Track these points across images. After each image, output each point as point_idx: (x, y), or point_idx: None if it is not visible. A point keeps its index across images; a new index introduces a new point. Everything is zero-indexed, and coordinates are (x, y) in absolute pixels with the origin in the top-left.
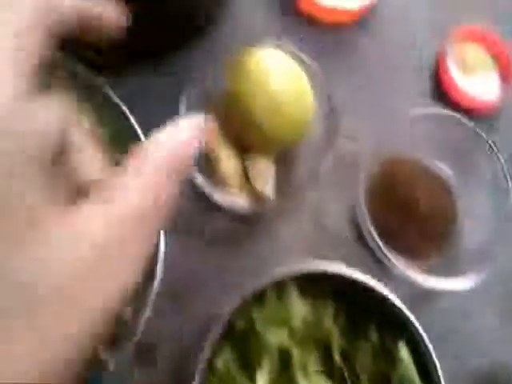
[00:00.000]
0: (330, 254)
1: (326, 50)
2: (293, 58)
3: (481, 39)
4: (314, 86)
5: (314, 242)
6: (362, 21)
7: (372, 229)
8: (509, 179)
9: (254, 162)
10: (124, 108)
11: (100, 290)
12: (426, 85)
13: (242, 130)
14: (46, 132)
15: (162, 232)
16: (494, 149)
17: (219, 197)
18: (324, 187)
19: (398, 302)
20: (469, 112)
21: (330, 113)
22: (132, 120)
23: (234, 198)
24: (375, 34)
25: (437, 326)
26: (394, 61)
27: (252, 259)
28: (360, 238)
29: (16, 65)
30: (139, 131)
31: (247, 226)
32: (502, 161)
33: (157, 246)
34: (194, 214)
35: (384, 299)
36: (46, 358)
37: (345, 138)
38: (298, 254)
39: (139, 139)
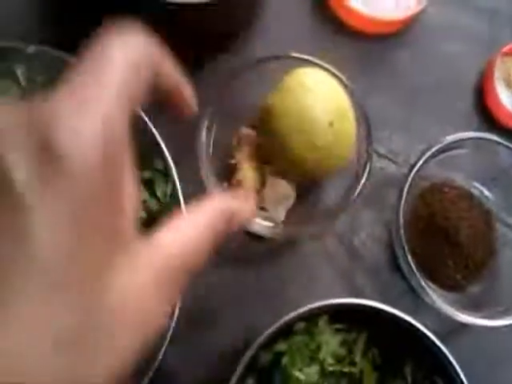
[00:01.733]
0: (363, 282)
1: (363, 63)
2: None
3: None
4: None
5: (346, 268)
6: (403, 32)
7: (410, 259)
8: None
9: (274, 184)
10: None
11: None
12: (469, 103)
13: (273, 152)
14: None
15: None
16: None
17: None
18: (357, 210)
19: (434, 339)
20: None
21: (367, 136)
22: (157, 136)
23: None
24: (416, 46)
25: (475, 363)
26: (436, 76)
27: (279, 287)
28: (395, 266)
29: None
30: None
31: (272, 250)
32: None
33: None
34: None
35: (420, 336)
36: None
37: (382, 158)
38: (328, 281)
39: (164, 157)
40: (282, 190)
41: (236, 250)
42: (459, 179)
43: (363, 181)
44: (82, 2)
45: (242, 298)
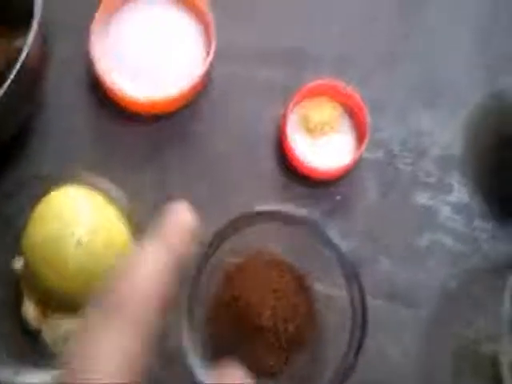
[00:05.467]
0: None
1: (154, 148)
2: (99, 190)
3: (330, 95)
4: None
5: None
6: (192, 105)
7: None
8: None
9: (55, 321)
10: None
11: None
12: (274, 160)
13: (37, 286)
14: None
15: None
16: (333, 240)
17: None
18: None
19: None
20: (317, 181)
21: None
22: None
23: None
24: (211, 113)
25: None
26: (238, 140)
27: None
28: None
29: None
30: None
31: None
32: (341, 251)
33: None
34: None
35: None
36: None
37: None
38: None
39: None
40: (66, 325)
41: None
42: (269, 250)
43: None
44: None
45: None
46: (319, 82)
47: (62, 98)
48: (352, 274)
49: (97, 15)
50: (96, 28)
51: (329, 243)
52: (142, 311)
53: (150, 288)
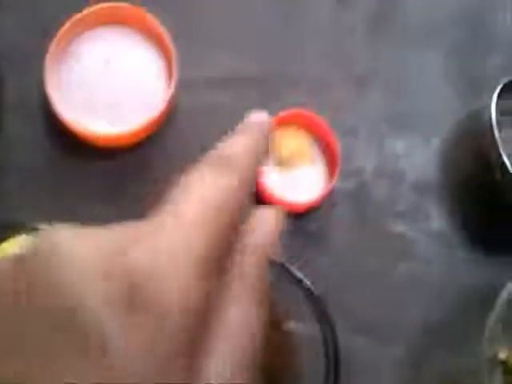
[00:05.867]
0: None
1: (115, 183)
2: None
3: (300, 124)
4: None
5: None
6: (157, 136)
7: None
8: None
9: None
10: None
11: None
12: None
13: None
14: None
15: None
16: (302, 280)
17: None
18: None
19: None
20: (289, 214)
21: None
22: None
23: None
24: (174, 146)
25: None
26: None
27: None
28: None
29: None
30: None
31: None
32: (311, 290)
33: None
34: None
35: None
36: None
37: None
38: None
39: None
40: None
41: None
42: None
43: None
44: None
45: None
46: (289, 111)
47: (18, 134)
48: (322, 314)
49: (52, 47)
50: (52, 61)
51: (298, 283)
52: (249, 163)
53: (254, 145)
